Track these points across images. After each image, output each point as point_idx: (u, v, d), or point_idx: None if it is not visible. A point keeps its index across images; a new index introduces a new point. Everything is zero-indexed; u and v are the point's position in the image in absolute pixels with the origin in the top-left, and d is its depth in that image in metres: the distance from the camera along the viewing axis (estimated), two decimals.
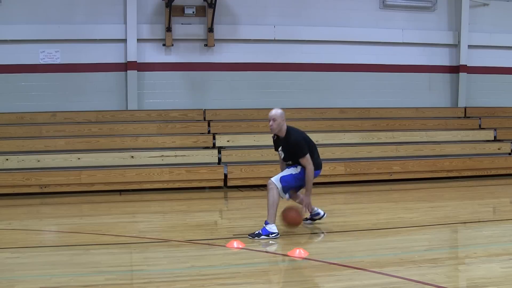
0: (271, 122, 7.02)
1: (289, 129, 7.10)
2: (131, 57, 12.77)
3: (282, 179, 6.95)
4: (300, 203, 7.23)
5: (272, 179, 6.97)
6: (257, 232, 6.88)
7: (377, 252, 6.33)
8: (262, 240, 6.77)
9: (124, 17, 12.77)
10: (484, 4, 14.64)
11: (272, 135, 7.26)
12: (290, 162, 7.11)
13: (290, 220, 7.03)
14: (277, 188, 6.91)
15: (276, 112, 7.02)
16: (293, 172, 7.03)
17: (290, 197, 7.17)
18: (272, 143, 7.42)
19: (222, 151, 11.91)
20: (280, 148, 7.16)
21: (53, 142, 11.71)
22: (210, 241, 6.89)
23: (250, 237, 6.84)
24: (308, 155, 6.97)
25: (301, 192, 7.32)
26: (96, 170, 11.10)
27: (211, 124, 12.83)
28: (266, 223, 6.88)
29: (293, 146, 7.00)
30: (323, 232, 7.38)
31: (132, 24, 12.69)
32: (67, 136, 11.98)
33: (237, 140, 12.35)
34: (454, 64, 14.63)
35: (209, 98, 13.39)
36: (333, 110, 13.59)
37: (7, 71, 12.46)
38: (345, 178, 11.88)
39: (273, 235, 6.82)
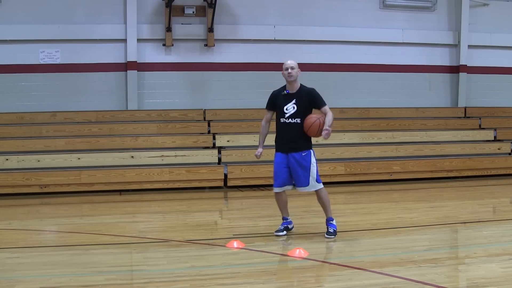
0: (289, 70, 6.80)
1: (300, 84, 6.97)
2: (131, 57, 12.77)
3: (317, 179, 6.89)
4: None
5: (312, 185, 6.85)
6: (331, 231, 6.93)
7: (377, 252, 6.33)
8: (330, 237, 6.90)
9: (124, 17, 12.77)
10: (484, 4, 14.64)
11: (283, 91, 6.95)
12: (298, 121, 6.82)
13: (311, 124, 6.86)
14: (321, 187, 6.92)
15: (293, 61, 6.89)
16: (309, 164, 6.85)
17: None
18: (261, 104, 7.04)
19: (222, 151, 11.92)
20: (290, 104, 6.85)
21: (53, 142, 11.71)
22: (210, 241, 6.89)
23: (329, 236, 6.88)
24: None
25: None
26: (96, 170, 11.10)
27: (211, 124, 12.83)
28: (332, 219, 7.01)
29: (313, 95, 6.90)
30: (323, 232, 7.38)
31: (132, 24, 12.69)
32: (67, 136, 11.99)
33: (237, 140, 12.35)
34: (454, 64, 14.63)
35: (209, 98, 13.40)
36: (333, 110, 13.37)
37: (7, 71, 12.46)
38: (345, 178, 11.88)
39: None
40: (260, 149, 7.23)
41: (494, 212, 9.27)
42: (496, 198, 10.62)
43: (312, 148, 6.97)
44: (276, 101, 7.01)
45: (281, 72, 6.97)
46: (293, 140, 6.86)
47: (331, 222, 7.02)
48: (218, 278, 5.37)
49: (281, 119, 6.93)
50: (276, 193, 7.06)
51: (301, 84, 6.98)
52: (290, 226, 7.20)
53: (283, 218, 7.18)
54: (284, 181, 6.96)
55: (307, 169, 6.84)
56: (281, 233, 7.05)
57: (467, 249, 6.67)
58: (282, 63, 6.97)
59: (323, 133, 6.69)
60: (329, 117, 6.85)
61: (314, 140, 7.22)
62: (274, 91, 7.11)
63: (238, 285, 5.18)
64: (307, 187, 6.89)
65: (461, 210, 9.22)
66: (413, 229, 7.62)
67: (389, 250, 6.48)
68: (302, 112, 6.85)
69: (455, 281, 5.38)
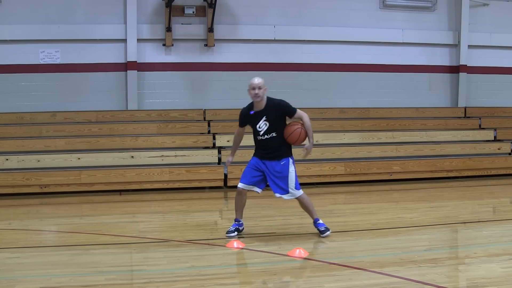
0: (256, 91, 6.77)
1: (267, 98, 6.94)
2: (131, 57, 12.77)
3: (297, 186, 6.90)
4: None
5: (292, 194, 6.87)
6: (322, 229, 6.93)
7: (377, 252, 6.33)
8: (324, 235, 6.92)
9: (124, 17, 12.77)
10: (484, 4, 14.64)
11: (251, 111, 6.94)
12: (274, 134, 6.85)
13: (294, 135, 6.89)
14: (301, 194, 6.93)
15: (260, 79, 6.83)
16: (287, 173, 6.87)
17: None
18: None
19: (222, 151, 11.91)
20: (261, 121, 6.87)
21: (53, 142, 11.71)
22: (210, 241, 6.89)
23: (324, 235, 6.90)
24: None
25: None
26: (96, 170, 11.10)
27: (211, 124, 12.83)
28: (318, 219, 7.00)
29: (282, 107, 6.84)
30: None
31: (132, 24, 12.69)
32: (67, 136, 11.98)
33: None
34: (454, 64, 14.63)
35: (209, 98, 13.39)
36: (333, 110, 13.58)
37: (7, 71, 12.46)
38: (345, 178, 11.88)
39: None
40: (230, 158, 7.37)
41: (494, 212, 9.27)
42: (496, 198, 10.62)
43: (292, 156, 6.97)
44: (247, 121, 7.07)
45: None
46: (272, 151, 6.92)
47: (318, 222, 7.02)
48: (218, 278, 5.37)
49: (257, 137, 7.00)
50: (238, 192, 7.07)
51: (268, 98, 6.92)
52: (240, 228, 7.18)
53: (236, 220, 7.16)
54: (250, 180, 7.03)
55: (285, 178, 6.87)
56: (232, 234, 7.03)
57: (467, 249, 6.68)
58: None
59: (305, 149, 6.81)
60: (307, 124, 6.86)
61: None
62: (243, 110, 7.11)
63: (238, 285, 5.18)
64: (286, 195, 6.90)
65: (461, 210, 9.22)
66: (413, 229, 7.62)
67: (389, 250, 6.48)
68: (275, 126, 6.86)
69: (455, 281, 5.38)
